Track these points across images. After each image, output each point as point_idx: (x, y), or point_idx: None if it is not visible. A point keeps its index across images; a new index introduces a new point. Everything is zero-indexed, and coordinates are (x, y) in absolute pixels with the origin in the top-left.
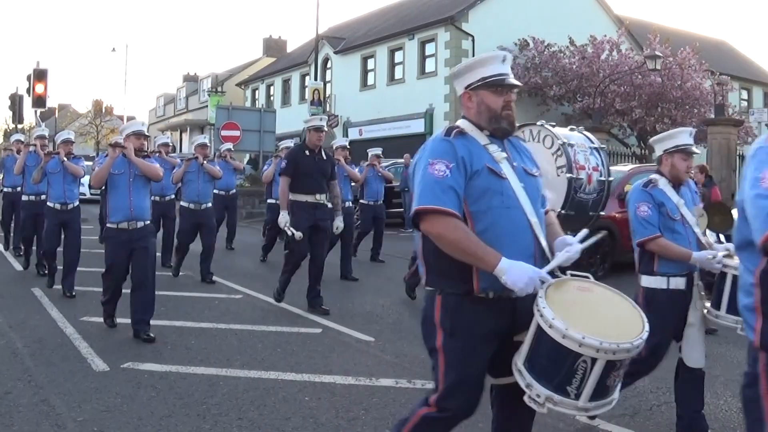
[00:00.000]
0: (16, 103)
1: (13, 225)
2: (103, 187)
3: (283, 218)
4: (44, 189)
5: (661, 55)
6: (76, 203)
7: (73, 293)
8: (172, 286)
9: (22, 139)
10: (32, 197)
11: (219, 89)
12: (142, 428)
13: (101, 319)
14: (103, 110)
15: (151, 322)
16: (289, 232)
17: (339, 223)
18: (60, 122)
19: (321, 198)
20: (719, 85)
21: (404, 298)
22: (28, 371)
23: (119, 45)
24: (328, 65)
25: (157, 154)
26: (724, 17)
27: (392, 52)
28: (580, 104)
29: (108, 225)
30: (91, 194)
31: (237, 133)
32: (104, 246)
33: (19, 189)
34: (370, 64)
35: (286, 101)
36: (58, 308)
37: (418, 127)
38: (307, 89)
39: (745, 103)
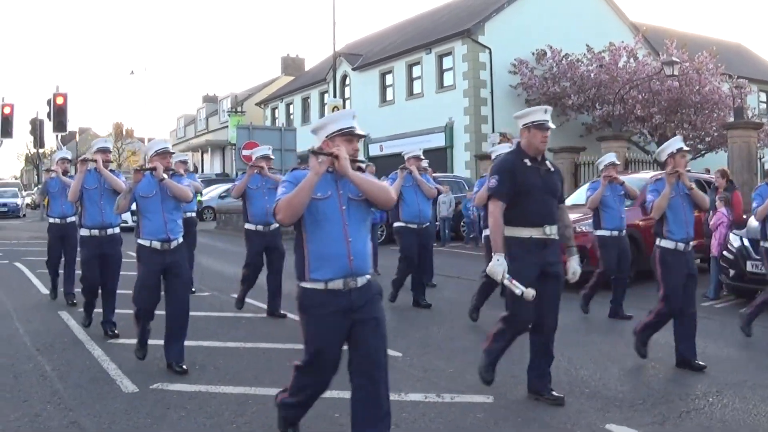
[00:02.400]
0: (36, 127)
1: (63, 263)
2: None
3: (500, 266)
4: (70, 210)
5: (678, 60)
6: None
7: (116, 331)
8: (199, 306)
9: (69, 158)
10: (58, 220)
11: (239, 109)
12: None
13: (129, 341)
14: (124, 133)
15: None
16: (518, 291)
17: (575, 266)
18: (81, 146)
19: (552, 231)
20: (737, 89)
21: (431, 312)
22: (58, 393)
23: (138, 67)
24: (347, 82)
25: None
26: (740, 20)
27: (410, 67)
28: (599, 112)
29: (140, 242)
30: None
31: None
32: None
33: (70, 219)
34: (389, 79)
35: (305, 119)
36: (86, 331)
37: (438, 140)
38: (326, 106)
39: (764, 106)
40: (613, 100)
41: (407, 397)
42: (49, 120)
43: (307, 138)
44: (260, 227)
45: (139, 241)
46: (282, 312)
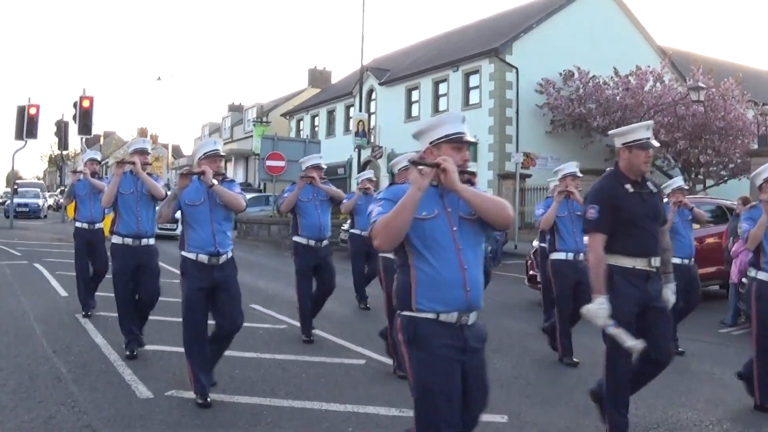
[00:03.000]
0: (61, 129)
1: (91, 272)
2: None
3: (603, 311)
4: (99, 215)
5: (704, 86)
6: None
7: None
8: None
9: (98, 158)
10: (86, 225)
11: (264, 119)
12: None
13: (146, 346)
14: (148, 138)
15: None
16: (626, 344)
17: (670, 295)
18: (105, 149)
19: (656, 263)
20: (762, 116)
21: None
22: (72, 396)
23: (165, 74)
24: (373, 96)
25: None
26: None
27: (436, 84)
28: None
29: (184, 255)
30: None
31: (282, 163)
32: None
33: (99, 225)
34: (415, 95)
35: (330, 132)
36: (103, 335)
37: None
38: (351, 120)
39: None
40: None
41: None
42: (75, 122)
43: (330, 150)
44: (312, 242)
45: (184, 253)
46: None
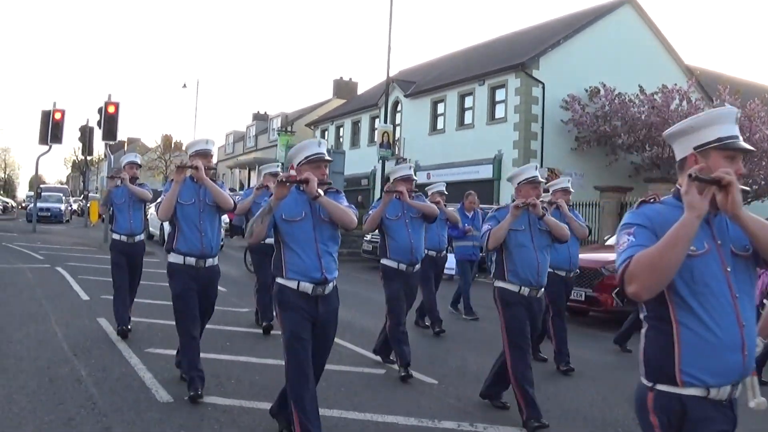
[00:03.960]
0: (86, 135)
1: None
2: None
3: None
4: (138, 228)
5: (730, 106)
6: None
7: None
8: (238, 321)
9: (139, 162)
10: (124, 237)
11: (289, 129)
12: None
13: (166, 351)
14: (172, 145)
15: (216, 356)
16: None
17: None
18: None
19: None
20: None
21: (467, 340)
22: (92, 399)
23: (191, 81)
24: (398, 108)
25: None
26: None
27: (462, 97)
28: (648, 153)
29: (282, 283)
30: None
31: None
32: (170, 283)
33: (139, 238)
34: (440, 108)
35: (355, 143)
36: (125, 339)
37: (486, 172)
38: (376, 131)
39: None
40: (663, 143)
41: (440, 425)
42: (99, 128)
43: (354, 161)
44: (402, 266)
45: (282, 281)
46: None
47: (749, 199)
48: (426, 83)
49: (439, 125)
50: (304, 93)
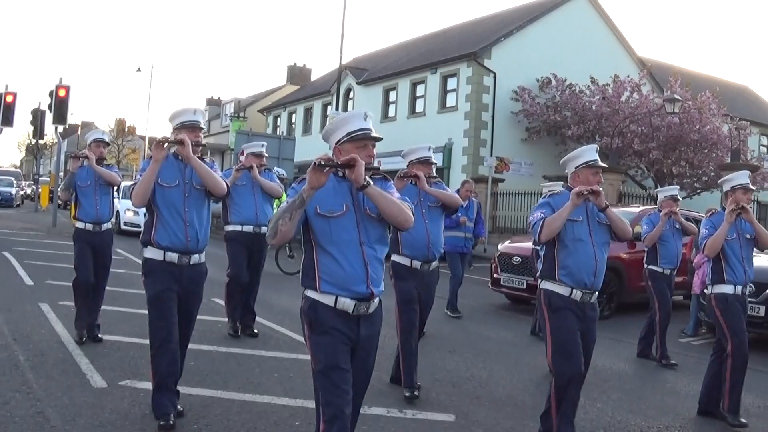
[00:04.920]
0: (37, 118)
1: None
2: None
3: None
4: (106, 215)
5: (680, 98)
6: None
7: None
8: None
9: (106, 140)
10: (90, 225)
11: (241, 114)
12: None
13: (105, 336)
14: (126, 129)
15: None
16: None
17: None
18: (82, 139)
19: None
20: (738, 130)
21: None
22: (28, 383)
23: (145, 65)
24: (351, 95)
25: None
26: (749, 64)
27: (414, 86)
28: (598, 144)
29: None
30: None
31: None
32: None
33: (107, 226)
34: (392, 96)
35: (307, 129)
36: (64, 324)
37: (436, 160)
38: (328, 118)
39: (764, 149)
40: (613, 133)
41: (370, 411)
42: (50, 111)
43: (306, 148)
44: (417, 263)
45: (312, 294)
46: None
47: (698, 191)
48: (378, 71)
49: (391, 113)
50: (257, 79)
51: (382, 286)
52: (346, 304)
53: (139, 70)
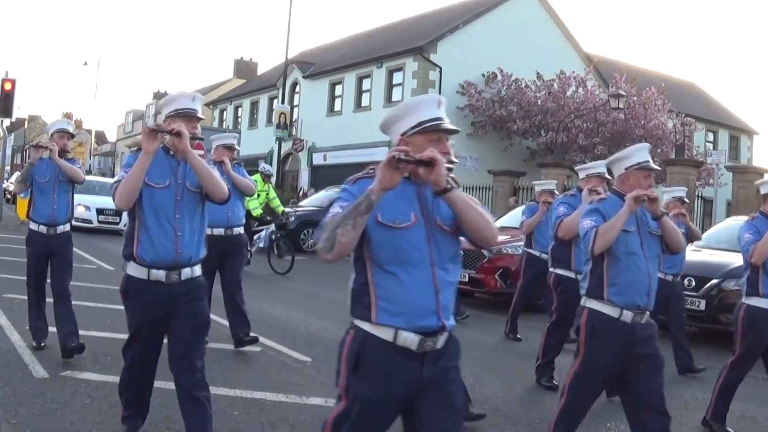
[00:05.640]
0: None
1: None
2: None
3: None
4: (63, 216)
5: (624, 94)
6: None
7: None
8: (119, 299)
9: (70, 130)
10: (44, 228)
11: None
12: None
13: (49, 328)
14: (73, 123)
15: (97, 334)
16: None
17: None
18: (29, 133)
19: None
20: (683, 126)
21: (348, 321)
22: None
23: (91, 58)
24: (297, 89)
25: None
26: (695, 60)
27: (360, 80)
28: (543, 139)
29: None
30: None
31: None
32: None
33: (63, 228)
34: (338, 90)
35: (253, 123)
36: (7, 316)
37: (382, 155)
38: (274, 112)
39: (710, 145)
40: (558, 128)
41: (308, 401)
42: None
43: (252, 142)
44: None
45: (363, 324)
46: None
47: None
48: (325, 65)
49: (337, 107)
50: (204, 72)
51: (452, 319)
52: (409, 339)
53: (85, 63)
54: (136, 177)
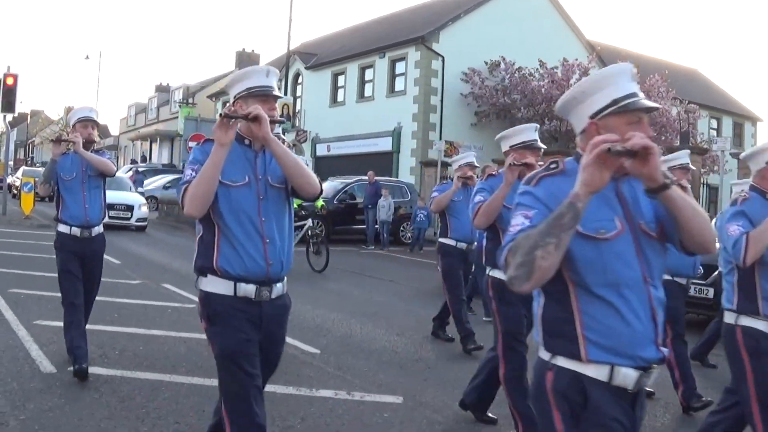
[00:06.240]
0: None
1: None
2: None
3: None
4: (96, 216)
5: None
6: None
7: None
8: (128, 293)
9: (95, 118)
10: (76, 229)
11: (190, 101)
12: (81, 428)
13: (54, 323)
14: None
15: (104, 328)
16: None
17: None
18: (31, 128)
19: None
20: (687, 113)
21: (354, 312)
22: None
23: (93, 53)
24: (299, 80)
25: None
26: (698, 47)
27: (363, 70)
28: (547, 127)
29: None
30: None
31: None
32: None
33: (98, 230)
34: (341, 80)
35: None
36: (14, 311)
37: (385, 145)
38: (276, 103)
39: (714, 132)
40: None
41: (318, 393)
42: None
43: None
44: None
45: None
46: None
47: None
48: (327, 55)
49: (340, 98)
50: (206, 65)
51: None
52: (628, 378)
53: (87, 57)
54: (210, 176)
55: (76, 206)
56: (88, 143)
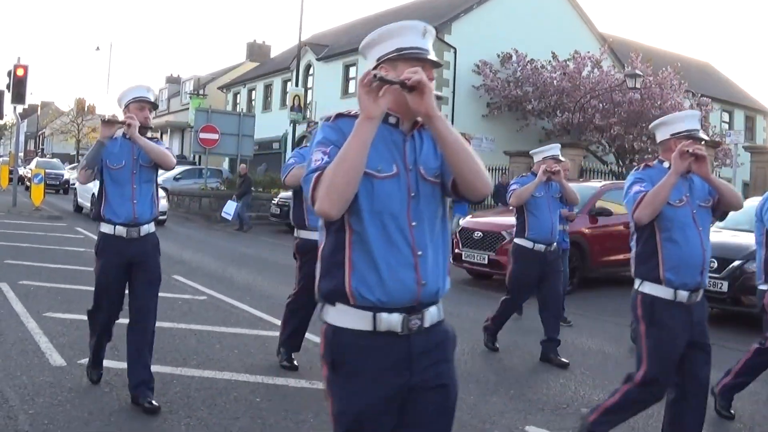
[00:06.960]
0: None
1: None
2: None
3: None
4: (147, 213)
5: (641, 74)
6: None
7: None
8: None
9: (151, 99)
10: (122, 228)
11: (201, 92)
12: (91, 423)
13: (64, 315)
14: (86, 109)
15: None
16: None
17: None
18: (42, 119)
19: None
20: (699, 106)
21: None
22: None
23: (104, 44)
24: (310, 72)
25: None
26: (711, 40)
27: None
28: (559, 119)
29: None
30: None
31: (215, 136)
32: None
33: (148, 228)
34: (352, 72)
35: (267, 106)
36: (23, 303)
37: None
38: (288, 95)
39: (726, 125)
40: (573, 108)
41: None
42: (9, 91)
43: (266, 125)
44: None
45: None
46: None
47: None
48: (338, 47)
49: (351, 89)
50: (217, 56)
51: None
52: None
53: (98, 48)
54: (355, 160)
55: (123, 200)
56: (143, 129)
